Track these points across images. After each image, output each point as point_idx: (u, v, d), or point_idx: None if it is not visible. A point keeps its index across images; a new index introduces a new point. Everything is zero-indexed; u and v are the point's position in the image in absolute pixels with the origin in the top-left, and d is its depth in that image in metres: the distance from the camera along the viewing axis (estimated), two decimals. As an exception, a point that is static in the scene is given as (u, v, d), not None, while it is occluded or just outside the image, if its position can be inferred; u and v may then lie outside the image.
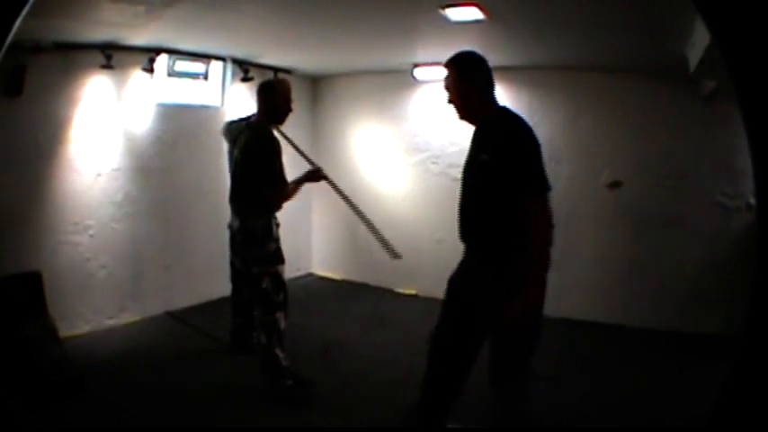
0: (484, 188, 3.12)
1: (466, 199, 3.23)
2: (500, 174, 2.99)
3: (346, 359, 5.01)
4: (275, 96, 4.47)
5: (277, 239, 4.59)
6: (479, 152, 3.14)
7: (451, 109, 3.37)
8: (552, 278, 6.55)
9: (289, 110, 4.54)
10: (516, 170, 2.98)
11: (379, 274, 7.28)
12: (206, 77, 6.36)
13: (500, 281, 3.09)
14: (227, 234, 6.96)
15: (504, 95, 6.64)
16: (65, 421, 3.90)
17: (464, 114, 3.31)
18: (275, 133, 4.48)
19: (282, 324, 4.38)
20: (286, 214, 7.42)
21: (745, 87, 1.57)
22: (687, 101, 5.83)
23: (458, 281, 3.38)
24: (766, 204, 1.66)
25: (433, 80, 7.04)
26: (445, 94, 3.39)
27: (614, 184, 6.13)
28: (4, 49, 1.83)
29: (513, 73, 6.46)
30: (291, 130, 7.63)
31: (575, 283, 6.40)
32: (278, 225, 4.67)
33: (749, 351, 1.68)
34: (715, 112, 5.63)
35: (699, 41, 4.14)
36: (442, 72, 6.00)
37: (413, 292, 7.16)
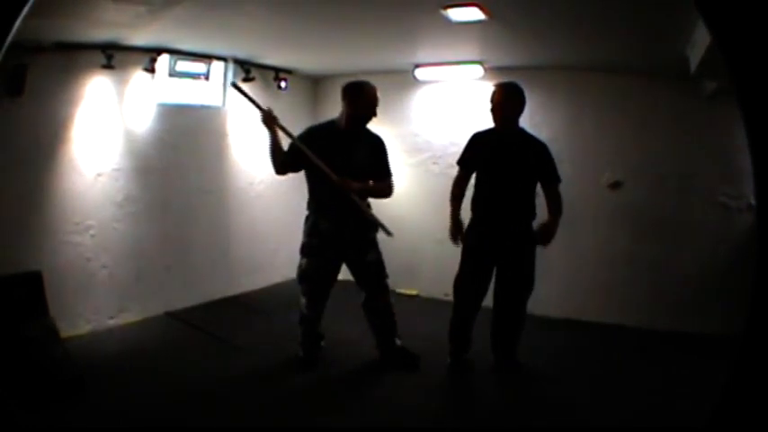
0: (532, 178, 4.68)
1: (518, 184, 4.66)
2: (542, 169, 4.67)
3: (349, 359, 5.02)
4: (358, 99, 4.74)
5: (312, 235, 4.77)
6: (526, 153, 4.64)
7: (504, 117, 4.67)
8: (553, 279, 6.62)
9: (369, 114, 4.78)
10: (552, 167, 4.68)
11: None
12: (207, 78, 6.39)
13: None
14: (226, 234, 7.02)
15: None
16: (65, 421, 3.90)
17: (514, 125, 4.70)
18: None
19: (303, 309, 4.91)
20: (282, 213, 7.46)
21: (745, 87, 1.57)
22: (688, 101, 5.85)
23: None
24: (766, 204, 1.65)
25: (433, 80, 7.04)
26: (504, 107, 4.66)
27: (615, 185, 6.15)
28: (4, 49, 1.83)
29: (514, 73, 6.41)
30: (292, 130, 7.69)
31: (575, 284, 6.47)
32: (321, 220, 4.78)
33: (749, 351, 1.67)
34: (717, 112, 5.62)
35: (700, 41, 4.15)
36: (443, 72, 6.12)
37: (414, 292, 7.16)
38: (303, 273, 4.81)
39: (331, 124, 4.86)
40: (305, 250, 4.80)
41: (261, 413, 4.17)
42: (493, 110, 4.66)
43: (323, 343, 5.16)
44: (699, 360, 5.16)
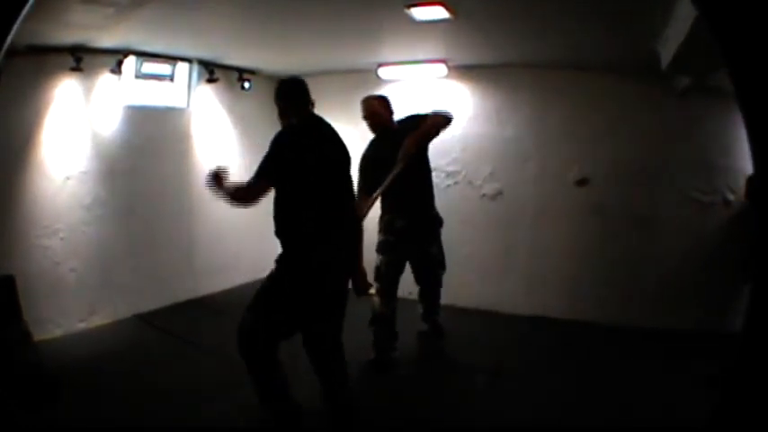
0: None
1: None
2: None
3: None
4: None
5: (388, 232, 5.00)
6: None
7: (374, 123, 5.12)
8: (522, 275, 6.63)
9: None
10: None
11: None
12: (172, 79, 6.38)
13: None
14: (191, 235, 7.00)
15: (470, 93, 6.69)
16: (42, 425, 3.89)
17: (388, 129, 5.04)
18: None
19: (376, 307, 5.00)
20: (246, 214, 7.45)
21: (744, 83, 1.61)
22: (659, 97, 5.88)
23: None
24: (766, 204, 1.70)
25: (397, 79, 7.09)
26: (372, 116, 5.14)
27: (582, 182, 6.21)
28: (3, 50, 1.86)
29: (480, 71, 6.58)
30: (255, 132, 7.69)
31: (544, 281, 6.51)
32: (397, 219, 5.01)
33: (749, 351, 1.72)
34: (688, 108, 5.73)
35: (672, 37, 4.19)
36: (407, 71, 6.18)
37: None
38: (378, 270, 4.96)
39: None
40: (382, 247, 4.99)
41: (233, 415, 4.17)
42: (375, 119, 5.09)
43: (396, 344, 5.17)
44: (671, 357, 5.25)
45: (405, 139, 4.74)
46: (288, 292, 3.57)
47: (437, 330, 5.69)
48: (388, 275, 4.96)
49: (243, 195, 3.63)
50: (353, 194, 3.94)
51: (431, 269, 5.32)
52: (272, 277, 3.64)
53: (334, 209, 3.70)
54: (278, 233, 3.67)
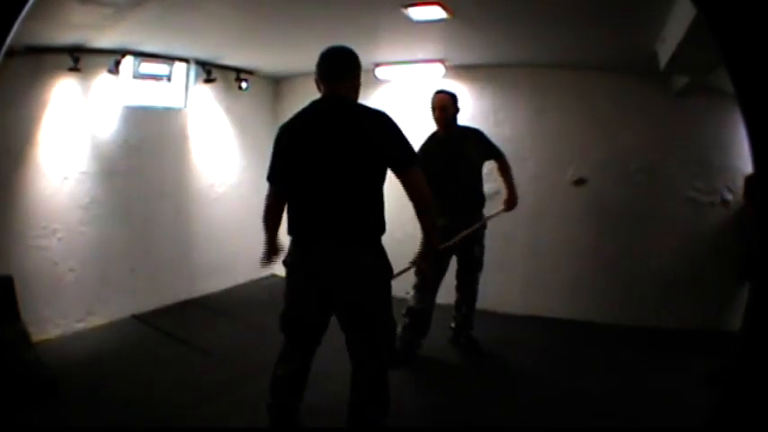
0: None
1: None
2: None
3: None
4: None
5: None
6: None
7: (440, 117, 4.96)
8: (519, 275, 6.60)
9: None
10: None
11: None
12: (169, 79, 6.36)
13: None
14: (189, 235, 6.99)
15: (467, 93, 6.68)
16: (38, 424, 3.89)
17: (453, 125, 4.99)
18: None
19: (411, 301, 5.05)
20: (243, 215, 7.44)
21: (744, 83, 1.61)
22: (657, 97, 5.90)
23: None
24: (766, 203, 1.70)
25: (394, 79, 7.08)
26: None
27: (579, 181, 6.23)
28: (3, 50, 1.86)
29: (477, 71, 6.56)
30: (253, 132, 7.69)
31: (542, 281, 6.51)
32: (439, 218, 4.59)
33: (749, 351, 1.73)
34: (686, 107, 5.74)
35: (670, 37, 4.20)
36: (404, 71, 6.11)
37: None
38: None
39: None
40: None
41: (232, 415, 4.16)
42: (443, 113, 4.94)
43: (422, 342, 5.16)
44: (670, 355, 5.26)
45: (466, 147, 4.97)
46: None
47: (476, 347, 5.40)
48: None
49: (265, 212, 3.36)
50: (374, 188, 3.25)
51: (472, 271, 5.23)
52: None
53: (336, 205, 3.11)
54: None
